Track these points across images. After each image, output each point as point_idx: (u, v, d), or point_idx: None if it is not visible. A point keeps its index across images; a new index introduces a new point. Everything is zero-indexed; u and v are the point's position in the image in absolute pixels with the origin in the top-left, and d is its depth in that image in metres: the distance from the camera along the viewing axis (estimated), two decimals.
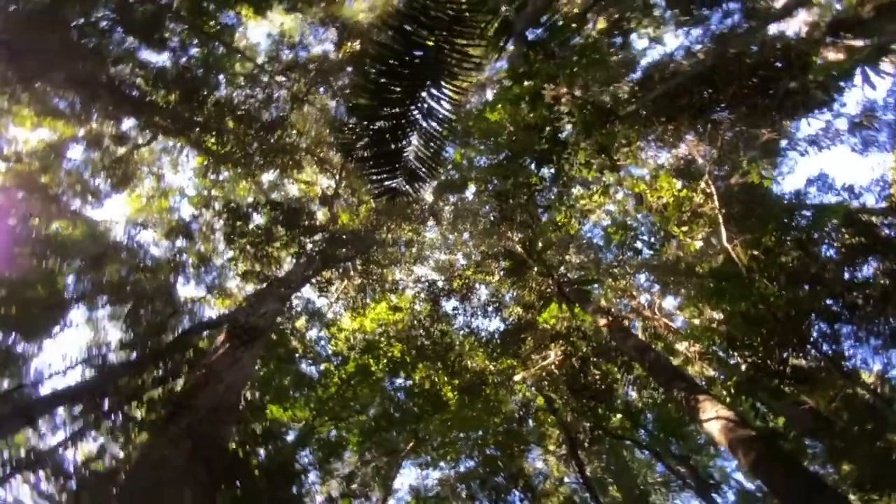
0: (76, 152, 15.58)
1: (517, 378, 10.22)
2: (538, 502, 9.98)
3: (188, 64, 12.77)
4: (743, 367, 8.23)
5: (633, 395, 12.04)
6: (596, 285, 12.00)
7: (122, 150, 15.09)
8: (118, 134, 14.79)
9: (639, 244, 11.88)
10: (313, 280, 11.74)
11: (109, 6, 11.55)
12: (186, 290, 15.06)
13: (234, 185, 17.55)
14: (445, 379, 11.36)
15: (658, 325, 13.23)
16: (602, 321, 9.20)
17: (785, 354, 7.06)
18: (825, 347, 7.21)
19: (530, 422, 12.37)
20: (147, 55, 12.69)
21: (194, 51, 13.00)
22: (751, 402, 7.55)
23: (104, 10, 11.63)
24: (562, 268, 12.15)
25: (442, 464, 14.02)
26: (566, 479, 14.94)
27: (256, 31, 15.11)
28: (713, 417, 6.91)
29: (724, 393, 8.24)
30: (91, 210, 15.94)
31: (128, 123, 14.64)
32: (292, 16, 14.07)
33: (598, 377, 9.96)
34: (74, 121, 14.24)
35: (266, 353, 11.96)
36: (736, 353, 7.91)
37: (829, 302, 7.17)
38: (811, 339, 7.23)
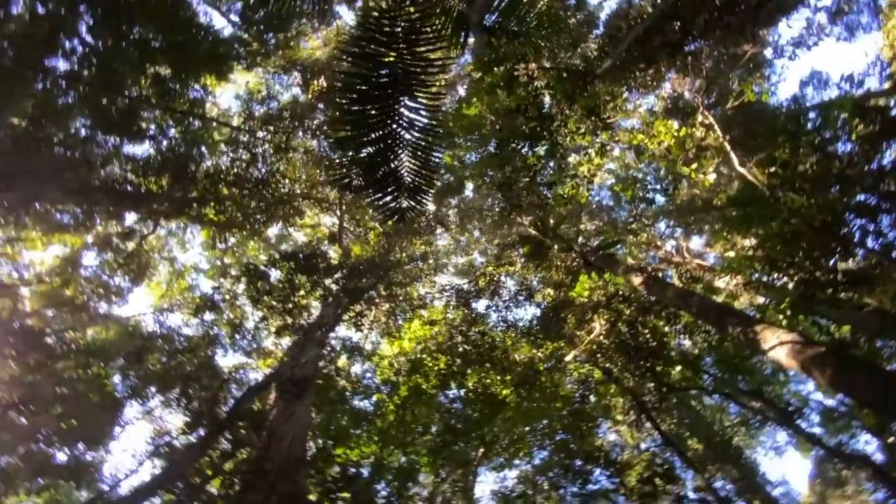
0: (90, 258, 16.05)
1: (568, 358, 10.07)
2: (623, 474, 9.76)
3: (170, 146, 13.05)
4: (791, 287, 7.97)
5: (687, 343, 11.77)
6: (618, 245, 11.81)
7: (131, 245, 15.45)
8: (123, 231, 15.16)
9: (650, 194, 11.68)
10: (344, 317, 11.80)
11: (84, 114, 11.89)
12: (227, 359, 15.30)
13: (244, 247, 17.83)
14: (497, 378, 11.25)
15: (691, 267, 12.94)
16: (636, 279, 9.02)
17: (832, 262, 6.80)
18: (871, 243, 6.93)
19: (592, 398, 12.16)
20: (130, 149, 13.01)
21: (172, 132, 13.27)
22: (810, 319, 7.29)
23: (80, 118, 11.97)
24: (580, 238, 11.99)
25: (516, 461, 13.88)
26: (643, 445, 14.66)
27: (225, 96, 15.36)
28: (776, 344, 6.69)
29: (780, 317, 7.97)
30: (118, 308, 16.35)
31: (130, 218, 15.02)
32: (254, 72, 14.28)
33: (647, 335, 9.75)
34: (81, 230, 14.65)
35: (318, 399, 12.05)
36: (781, 275, 7.67)
37: (861, 198, 6.91)
38: (854, 240, 6.96)
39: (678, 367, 11.48)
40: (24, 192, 11.11)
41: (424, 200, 6.28)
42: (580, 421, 11.82)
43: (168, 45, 11.39)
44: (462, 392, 12.08)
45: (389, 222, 6.39)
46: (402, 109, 5.73)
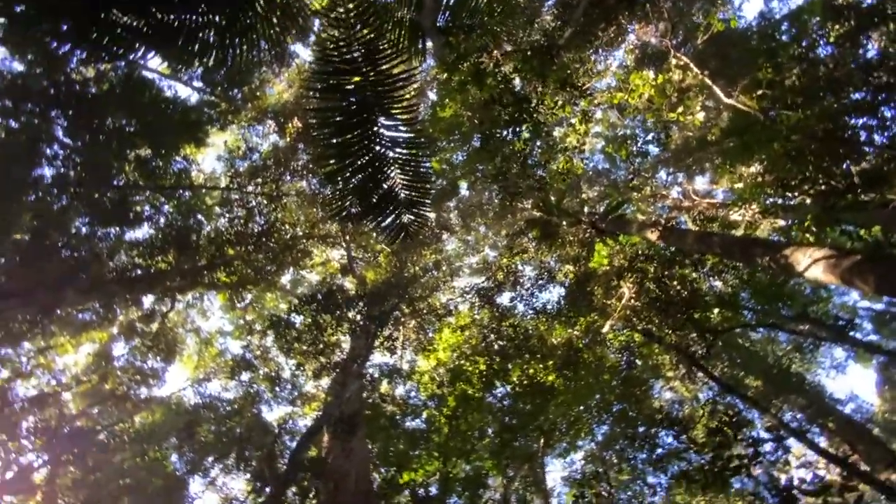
0: (119, 348, 16.29)
1: (604, 330, 9.93)
2: (689, 430, 9.57)
3: (168, 221, 13.25)
4: (810, 202, 7.79)
5: (719, 284, 11.57)
6: (625, 206, 11.65)
7: (154, 326, 15.66)
8: (144, 314, 15.39)
9: (643, 147, 11.54)
10: (376, 344, 11.82)
11: (80, 212, 12.13)
12: (273, 413, 15.41)
13: (262, 301, 17.99)
14: (539, 366, 11.15)
15: (703, 209, 12.73)
16: (651, 235, 8.89)
17: (844, 166, 6.63)
18: (879, 139, 6.75)
19: (638, 362, 11.98)
20: (132, 234, 13.24)
21: (166, 208, 13.47)
22: (837, 230, 7.11)
23: (77, 218, 12.21)
24: (585, 208, 11.87)
25: (579, 442, 13.73)
26: (701, 396, 14.42)
27: (207, 160, 15.59)
28: (810, 263, 6.51)
29: (806, 236, 7.78)
30: (158, 389, 16.57)
31: (147, 300, 15.25)
32: (228, 130, 14.46)
33: (677, 287, 9.58)
34: (104, 323, 14.90)
35: (370, 430, 12.05)
36: (796, 193, 7.49)
37: (856, 96, 6.73)
38: (861, 139, 6.78)
39: (716, 311, 11.27)
40: (43, 302, 11.34)
41: (424, 211, 6.27)
42: (632, 387, 11.65)
43: (142, 127, 11.59)
44: (508, 388, 11.98)
45: (396, 241, 6.39)
46: (380, 130, 5.74)
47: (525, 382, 11.48)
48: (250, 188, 14.03)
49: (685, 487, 10.65)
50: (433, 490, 12.16)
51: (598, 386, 11.58)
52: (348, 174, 5.90)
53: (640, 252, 9.63)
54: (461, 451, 11.99)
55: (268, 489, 10.68)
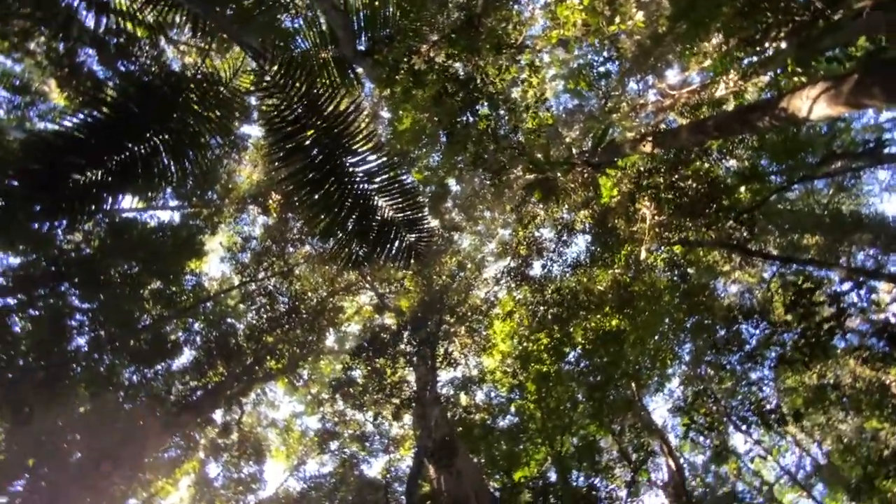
0: (213, 468, 16.67)
1: (643, 257, 9.72)
2: (768, 314, 9.27)
3: (204, 338, 13.54)
4: (784, 46, 7.48)
5: (733, 163, 11.23)
6: (610, 131, 11.42)
7: (234, 435, 16.00)
8: (220, 429, 15.73)
9: (601, 69, 11.32)
10: (437, 364, 11.83)
11: (124, 363, 12.49)
12: (375, 467, 15.52)
13: (318, 370, 18.21)
14: (598, 317, 10.97)
15: (685, 99, 12.39)
16: (646, 147, 8.68)
17: None
18: None
19: (689, 270, 11.69)
20: (178, 361, 13.60)
21: (196, 326, 13.79)
22: (826, 55, 6.81)
23: (124, 371, 12.58)
24: (573, 150, 11.68)
25: (668, 371, 13.45)
26: (764, 276, 13.98)
27: (213, 265, 15.90)
28: (811, 104, 6.25)
29: (796, 80, 7.47)
30: (262, 492, 16.86)
31: (218, 414, 15.59)
32: (218, 231, 14.74)
33: (694, 185, 9.32)
34: (189, 452, 15.28)
35: (468, 445, 12.03)
36: (766, 44, 7.21)
37: None
38: None
39: (742, 189, 10.93)
40: (127, 460, 11.70)
41: (424, 224, 6.25)
42: (695, 297, 11.36)
43: (144, 264, 11.92)
44: (579, 350, 11.83)
45: (410, 263, 6.38)
46: (351, 169, 5.75)
47: (591, 338, 11.31)
48: (261, 274, 14.27)
49: (789, 370, 10.31)
50: (551, 476, 12.06)
51: (661, 311, 11.33)
52: (340, 222, 5.93)
53: (642, 169, 9.41)
54: (561, 427, 11.86)
55: None
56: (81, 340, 11.98)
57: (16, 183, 5.31)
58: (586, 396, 12.23)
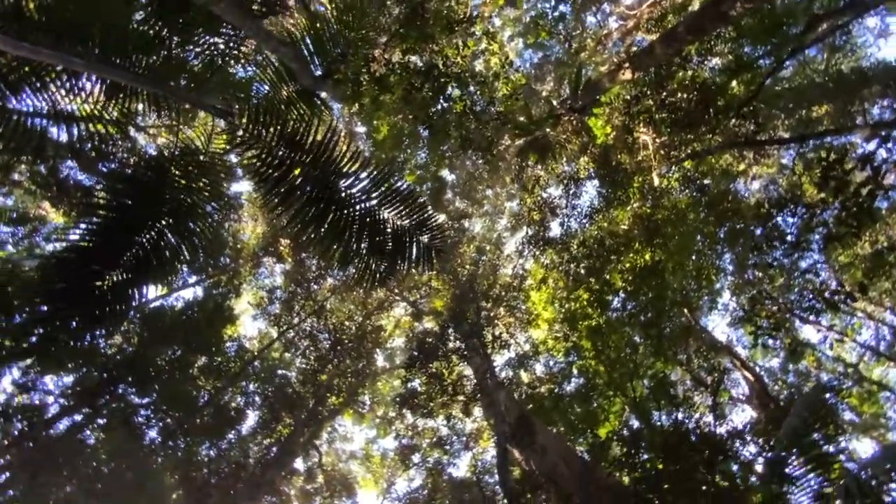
0: None
1: (656, 183, 9.48)
2: (800, 198, 8.95)
3: (263, 397, 13.80)
4: None
5: (717, 61, 10.86)
6: (583, 71, 11.15)
7: (320, 478, 16.32)
8: (305, 475, 16.05)
9: (556, 13, 11.04)
10: (489, 351, 11.82)
11: (198, 442, 12.83)
12: (461, 467, 15.62)
13: (378, 392, 18.39)
14: (630, 256, 10.78)
15: (647, 15, 12.00)
16: (625, 75, 8.43)
17: None
18: None
19: (706, 182, 11.37)
20: (246, 424, 13.88)
21: (251, 387, 14.04)
22: None
23: (200, 449, 12.92)
24: (554, 102, 11.43)
25: (717, 286, 13.17)
26: (783, 161, 13.52)
27: (248, 325, 16.15)
28: None
29: None
30: None
31: (298, 462, 15.88)
32: (242, 292, 14.96)
33: (684, 96, 9.02)
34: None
35: (544, 420, 12.01)
36: None
37: None
38: None
39: (734, 84, 10.54)
40: None
41: (433, 223, 6.20)
42: (720, 206, 11.06)
43: (184, 345, 12.18)
44: (621, 294, 11.65)
45: (432, 264, 6.36)
46: (347, 192, 5.74)
47: (630, 278, 11.12)
48: (296, 319, 14.45)
49: (840, 246, 9.96)
50: (634, 423, 11.95)
51: (690, 230, 11.06)
52: (353, 246, 5.93)
53: (629, 97, 9.15)
54: (628, 373, 11.73)
55: None
56: (152, 433, 12.35)
57: (45, 308, 5.46)
58: (643, 336, 12.04)
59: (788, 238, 9.70)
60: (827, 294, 7.81)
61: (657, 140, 8.42)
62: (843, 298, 7.24)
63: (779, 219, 9.88)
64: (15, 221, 11.23)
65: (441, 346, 11.76)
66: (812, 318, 11.01)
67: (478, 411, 12.62)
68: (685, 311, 12.08)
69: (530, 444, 9.52)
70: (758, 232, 9.98)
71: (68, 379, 11.70)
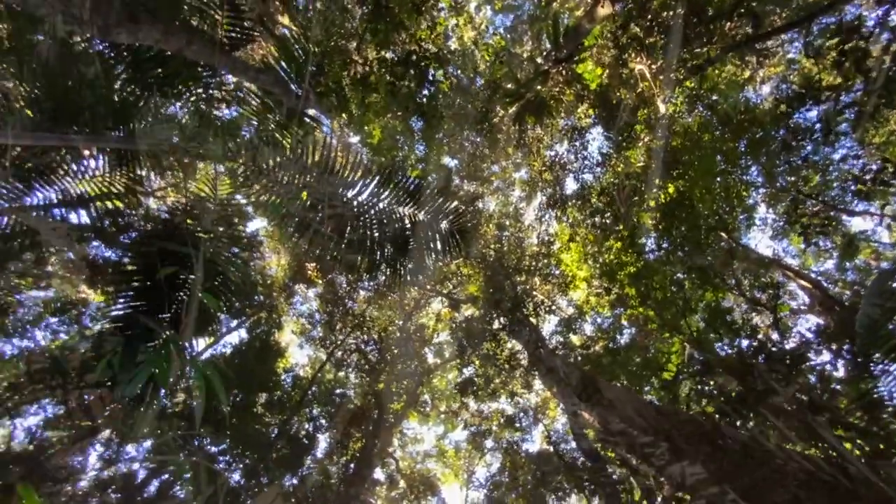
0: None
1: (662, 110, 9.12)
2: (817, 87, 8.43)
3: (326, 419, 14.08)
4: None
5: None
6: (559, 19, 10.77)
7: (402, 483, 16.59)
8: (384, 483, 16.35)
9: None
10: (534, 322, 11.73)
11: (275, 472, 13.24)
12: (535, 440, 15.63)
13: (436, 388, 18.54)
14: (654, 193, 10.46)
15: None
16: (603, 8, 8.09)
17: None
18: None
19: (714, 97, 10.88)
20: (314, 454, 14.20)
21: (315, 411, 14.36)
22: None
23: (283, 479, 13.32)
24: (538, 59, 11.11)
25: (750, 203, 12.68)
26: (790, 56, 12.80)
27: (295, 352, 16.52)
28: None
29: None
30: None
31: (377, 472, 16.16)
32: (283, 325, 15.24)
33: (670, 15, 8.60)
34: None
35: (605, 375, 11.89)
36: None
37: None
38: None
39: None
40: None
41: (447, 208, 6.13)
42: (735, 122, 10.58)
43: (243, 388, 12.53)
44: (652, 234, 11.35)
45: (459, 251, 6.31)
46: (358, 201, 5.73)
47: (658, 216, 10.81)
48: (340, 337, 14.66)
49: (872, 126, 9.39)
50: (696, 355, 11.70)
51: (709, 151, 10.64)
52: (378, 252, 5.94)
53: (611, 31, 8.79)
54: (679, 310, 11.47)
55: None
56: (236, 475, 12.81)
57: (108, 381, 5.67)
58: (685, 271, 11.73)
59: (815, 134, 9.20)
60: (871, 177, 7.37)
61: (653, 67, 8.07)
62: (890, 175, 6.82)
63: (799, 116, 9.39)
64: (59, 311, 11.73)
65: (485, 328, 11.73)
66: (859, 206, 10.46)
67: (538, 383, 12.58)
68: (723, 235, 11.68)
69: (598, 402, 9.41)
70: (780, 134, 9.52)
71: (147, 444, 12.22)
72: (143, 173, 7.04)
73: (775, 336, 10.15)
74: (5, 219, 4.62)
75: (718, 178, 11.21)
